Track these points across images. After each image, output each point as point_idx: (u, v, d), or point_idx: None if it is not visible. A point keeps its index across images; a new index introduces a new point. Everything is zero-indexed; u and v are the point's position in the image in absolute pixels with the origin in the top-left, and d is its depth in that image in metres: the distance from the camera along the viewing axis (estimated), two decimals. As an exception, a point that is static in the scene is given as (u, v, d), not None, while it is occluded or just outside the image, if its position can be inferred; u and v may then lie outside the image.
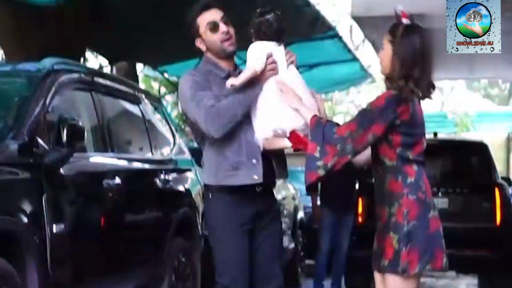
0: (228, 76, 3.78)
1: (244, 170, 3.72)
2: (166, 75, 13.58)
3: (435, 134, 10.24)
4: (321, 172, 3.44)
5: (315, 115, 3.55)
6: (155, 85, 16.63)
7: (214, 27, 3.80)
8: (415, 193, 3.43)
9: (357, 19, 9.91)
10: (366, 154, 3.61)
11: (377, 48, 11.77)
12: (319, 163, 3.42)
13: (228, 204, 3.77)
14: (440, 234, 3.50)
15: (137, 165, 5.35)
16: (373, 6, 9.25)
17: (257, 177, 3.72)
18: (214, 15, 3.82)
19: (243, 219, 3.78)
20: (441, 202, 8.77)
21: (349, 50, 12.62)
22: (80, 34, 8.36)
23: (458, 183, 9.09)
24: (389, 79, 3.49)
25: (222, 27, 3.81)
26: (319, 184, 8.32)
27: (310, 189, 8.42)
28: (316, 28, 10.02)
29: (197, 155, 7.35)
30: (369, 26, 10.16)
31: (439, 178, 9.03)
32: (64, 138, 4.10)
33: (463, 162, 9.76)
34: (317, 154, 3.43)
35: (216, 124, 3.65)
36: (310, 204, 9.04)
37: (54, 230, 3.98)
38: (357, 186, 8.32)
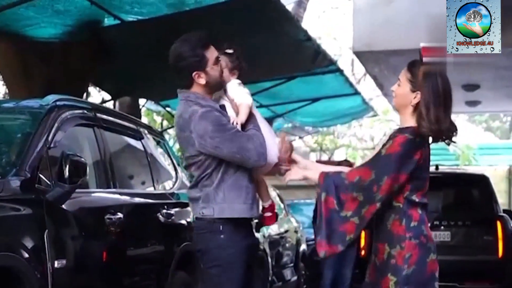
0: (224, 109, 3.83)
1: (257, 202, 3.85)
2: (168, 108, 13.61)
3: (437, 166, 10.24)
4: (356, 221, 3.43)
5: (322, 172, 3.56)
6: (158, 118, 16.64)
7: (218, 62, 3.83)
8: (418, 237, 3.47)
9: (358, 53, 9.95)
10: None
11: (378, 82, 11.81)
12: (343, 213, 3.45)
13: (241, 236, 3.82)
14: (436, 277, 3.52)
15: (139, 199, 5.34)
16: (374, 41, 9.31)
17: (265, 203, 3.99)
18: (215, 50, 3.85)
19: (249, 251, 3.87)
20: (443, 235, 8.75)
21: (350, 84, 12.67)
22: (83, 69, 8.41)
23: (460, 216, 9.08)
24: (420, 123, 3.45)
25: (223, 63, 3.87)
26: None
27: (315, 221, 8.40)
28: (318, 62, 10.07)
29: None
30: (370, 61, 10.21)
31: (441, 211, 9.01)
32: (67, 174, 4.09)
33: (465, 194, 9.75)
34: (336, 207, 3.45)
35: (265, 154, 3.71)
36: (312, 237, 9.03)
37: (56, 266, 3.96)
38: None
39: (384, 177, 3.39)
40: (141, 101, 13.09)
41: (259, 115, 3.97)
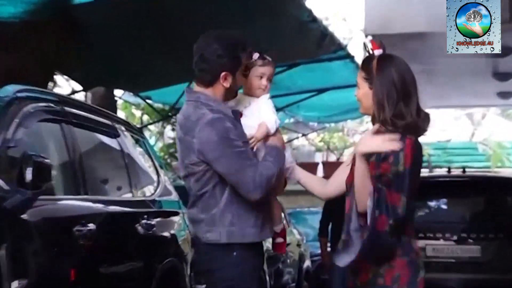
0: (237, 116, 4.01)
1: (269, 223, 4.03)
2: (149, 101, 13.60)
3: (464, 169, 10.25)
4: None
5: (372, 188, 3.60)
6: (137, 113, 16.68)
7: (246, 69, 4.04)
8: (408, 255, 3.57)
9: (372, 37, 9.94)
10: (337, 185, 3.90)
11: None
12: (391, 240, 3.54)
13: (253, 253, 3.99)
14: None
15: (114, 208, 5.33)
16: (390, 23, 9.31)
17: (276, 228, 4.12)
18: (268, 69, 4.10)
19: (260, 269, 4.13)
20: (472, 250, 8.75)
21: (363, 72, 12.64)
22: (49, 55, 8.39)
23: (491, 227, 9.07)
24: (382, 121, 3.60)
25: (265, 70, 4.09)
26: (330, 228, 8.31)
27: (321, 234, 8.46)
28: (324, 47, 10.06)
29: (185, 194, 7.37)
30: (385, 45, 10.21)
31: (469, 222, 9.02)
32: (28, 178, 4.07)
33: (497, 202, 9.75)
34: (388, 229, 3.52)
35: (263, 190, 3.83)
36: (318, 251, 9.00)
37: (16, 286, 3.94)
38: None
39: (412, 191, 3.55)
40: (118, 92, 13.09)
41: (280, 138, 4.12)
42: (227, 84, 3.96)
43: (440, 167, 21.53)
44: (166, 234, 5.85)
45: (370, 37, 3.49)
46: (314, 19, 9.18)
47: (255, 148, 3.97)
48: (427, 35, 9.80)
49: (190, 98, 4.01)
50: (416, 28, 9.51)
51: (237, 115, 4.02)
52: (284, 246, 4.31)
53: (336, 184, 3.92)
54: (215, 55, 3.93)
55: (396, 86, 3.58)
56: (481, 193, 9.69)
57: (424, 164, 3.84)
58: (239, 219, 3.90)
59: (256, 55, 4.08)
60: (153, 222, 5.61)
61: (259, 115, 4.05)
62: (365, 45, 3.79)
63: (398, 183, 3.52)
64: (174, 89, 11.81)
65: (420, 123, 3.61)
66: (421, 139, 3.65)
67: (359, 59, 14.55)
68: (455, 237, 8.68)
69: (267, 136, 4.01)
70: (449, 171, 10.20)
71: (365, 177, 3.50)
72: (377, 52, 3.69)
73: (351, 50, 12.02)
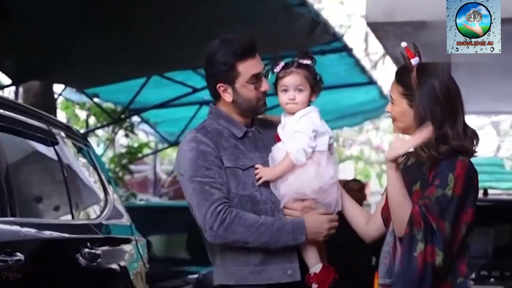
0: (244, 136, 4.21)
1: (275, 264, 4.07)
2: (97, 99, 13.57)
3: (486, 191, 10.28)
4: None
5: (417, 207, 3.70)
6: (82, 114, 16.61)
7: (258, 82, 4.20)
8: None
9: (374, 25, 10.00)
10: (378, 226, 3.95)
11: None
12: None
13: None
14: None
15: (49, 233, 5.30)
16: (396, 8, 9.35)
17: (291, 272, 4.07)
18: (259, 65, 4.24)
19: None
20: (495, 291, 8.78)
21: (363, 69, 12.72)
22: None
23: (519, 264, 9.11)
24: (424, 145, 3.70)
25: (265, 85, 4.24)
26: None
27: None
28: (316, 37, 10.09)
29: (138, 216, 7.35)
30: (391, 36, 10.27)
31: (492, 257, 9.05)
32: None
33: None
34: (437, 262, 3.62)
35: (220, 236, 4.00)
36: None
37: None
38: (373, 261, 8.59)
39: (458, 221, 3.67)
40: (58, 88, 13.04)
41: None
42: (228, 98, 4.21)
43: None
44: (114, 266, 5.84)
45: (404, 44, 3.82)
46: (304, 2, 9.23)
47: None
48: (442, 24, 9.84)
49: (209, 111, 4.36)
50: (428, 15, 9.55)
51: (247, 133, 4.26)
52: None
53: (378, 223, 4.02)
54: (209, 63, 4.23)
55: (440, 102, 3.75)
56: (506, 221, 9.73)
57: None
58: (225, 256, 4.11)
59: (278, 67, 4.25)
60: (98, 251, 5.59)
61: (292, 139, 4.19)
62: (402, 55, 3.92)
63: (442, 207, 3.63)
64: (128, 85, 11.82)
65: (468, 144, 3.75)
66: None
67: (358, 53, 14.63)
68: (473, 275, 8.70)
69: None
70: (485, 194, 10.22)
71: (399, 193, 3.65)
72: (414, 61, 3.85)
73: (349, 41, 12.07)
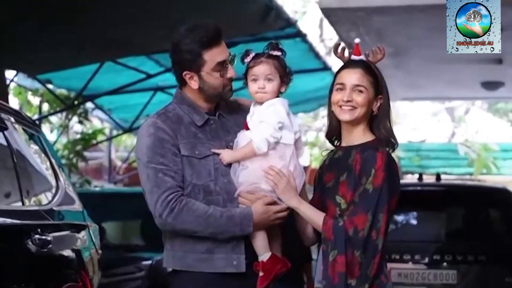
0: (205, 124, 4.28)
1: (221, 254, 4.14)
2: (50, 85, 13.49)
3: (438, 176, 10.31)
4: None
5: (327, 218, 3.97)
6: (35, 100, 16.49)
7: (223, 69, 4.30)
8: (379, 277, 3.87)
9: (328, 11, 10.02)
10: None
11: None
12: (349, 281, 3.85)
13: None
14: None
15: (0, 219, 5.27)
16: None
17: (236, 263, 4.15)
18: (224, 53, 4.35)
19: None
20: (447, 275, 8.83)
21: (317, 55, 12.73)
22: None
23: (471, 248, 9.14)
24: (360, 127, 4.14)
25: (231, 72, 4.36)
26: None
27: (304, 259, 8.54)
28: (269, 22, 10.09)
29: (91, 202, 7.33)
30: (344, 22, 10.29)
31: (444, 241, 9.09)
32: None
33: (479, 218, 9.83)
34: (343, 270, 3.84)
35: (169, 224, 4.12)
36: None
37: None
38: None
39: (380, 215, 3.86)
40: (9, 74, 12.95)
41: None
42: (194, 86, 4.32)
43: (412, 173, 21.65)
44: (66, 252, 5.81)
45: (358, 40, 4.06)
46: (256, -14, 9.21)
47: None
48: (396, 9, 9.88)
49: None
50: (383, 1, 9.59)
51: (208, 121, 4.33)
52: (265, 281, 4.25)
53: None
54: (175, 51, 4.35)
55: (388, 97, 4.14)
56: (459, 205, 9.76)
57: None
58: (176, 242, 4.19)
59: (249, 57, 4.34)
60: (49, 238, 5.56)
61: (258, 128, 4.27)
62: (365, 53, 4.25)
63: (363, 200, 3.86)
64: (81, 71, 11.75)
65: (393, 135, 4.08)
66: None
67: (313, 39, 14.64)
68: (426, 260, 8.70)
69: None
70: (420, 179, 10.27)
71: (310, 214, 4.02)
72: (357, 58, 4.19)
73: (303, 27, 12.07)
